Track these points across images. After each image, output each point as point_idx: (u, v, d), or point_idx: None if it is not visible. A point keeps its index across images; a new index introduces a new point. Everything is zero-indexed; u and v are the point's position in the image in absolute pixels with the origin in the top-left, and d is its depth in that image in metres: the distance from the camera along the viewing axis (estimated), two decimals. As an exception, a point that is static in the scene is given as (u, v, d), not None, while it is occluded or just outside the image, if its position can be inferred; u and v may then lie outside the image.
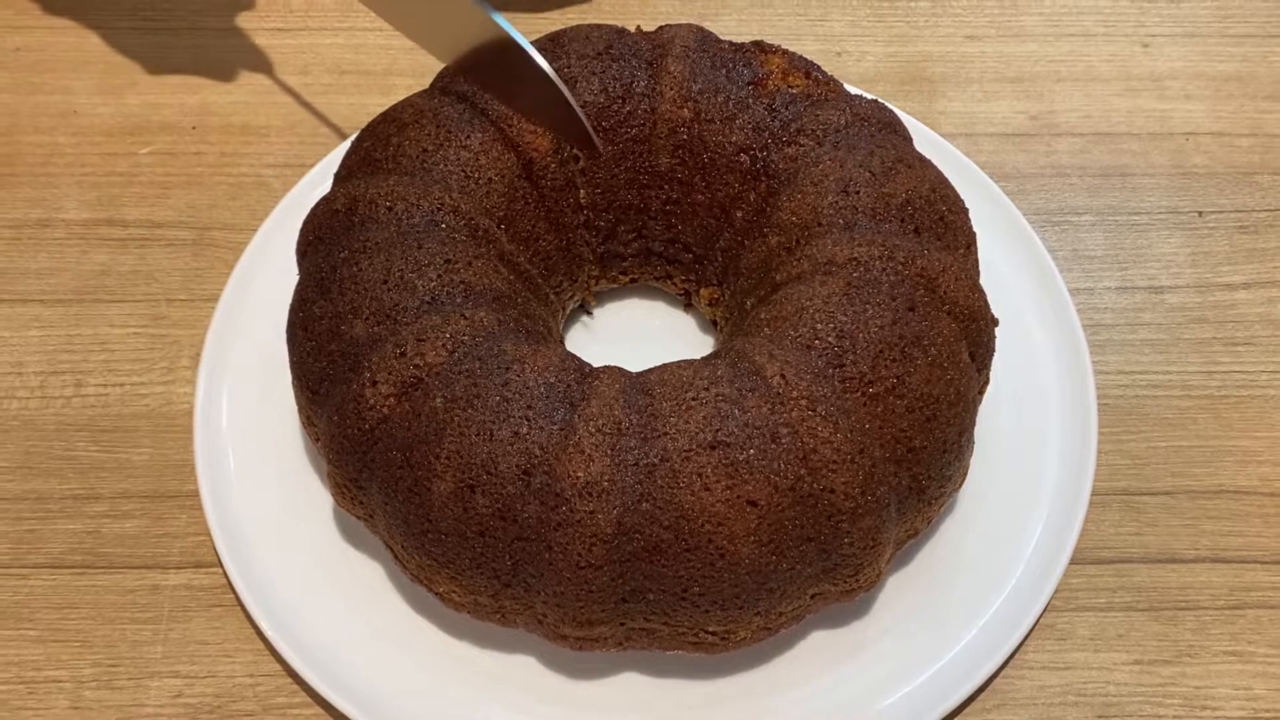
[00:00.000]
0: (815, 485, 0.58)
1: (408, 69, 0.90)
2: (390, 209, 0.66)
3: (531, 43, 0.74)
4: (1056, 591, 0.69)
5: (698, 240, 0.73)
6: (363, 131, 0.72)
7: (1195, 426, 0.76)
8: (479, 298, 0.64)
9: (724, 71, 0.71)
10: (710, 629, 0.62)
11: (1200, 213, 0.85)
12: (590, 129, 0.69)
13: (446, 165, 0.68)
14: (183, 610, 0.70)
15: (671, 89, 0.71)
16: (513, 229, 0.69)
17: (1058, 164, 0.87)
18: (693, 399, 0.59)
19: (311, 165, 0.84)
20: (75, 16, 0.93)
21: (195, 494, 0.71)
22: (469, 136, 0.69)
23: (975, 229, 0.69)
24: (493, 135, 0.69)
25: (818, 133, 0.69)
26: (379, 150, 0.69)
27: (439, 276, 0.63)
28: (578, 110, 0.68)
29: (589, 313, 0.79)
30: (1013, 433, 0.73)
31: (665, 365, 0.62)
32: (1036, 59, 0.93)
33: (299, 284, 0.67)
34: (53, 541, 0.72)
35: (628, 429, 0.58)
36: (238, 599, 0.69)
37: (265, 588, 0.68)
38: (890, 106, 0.73)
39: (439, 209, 0.66)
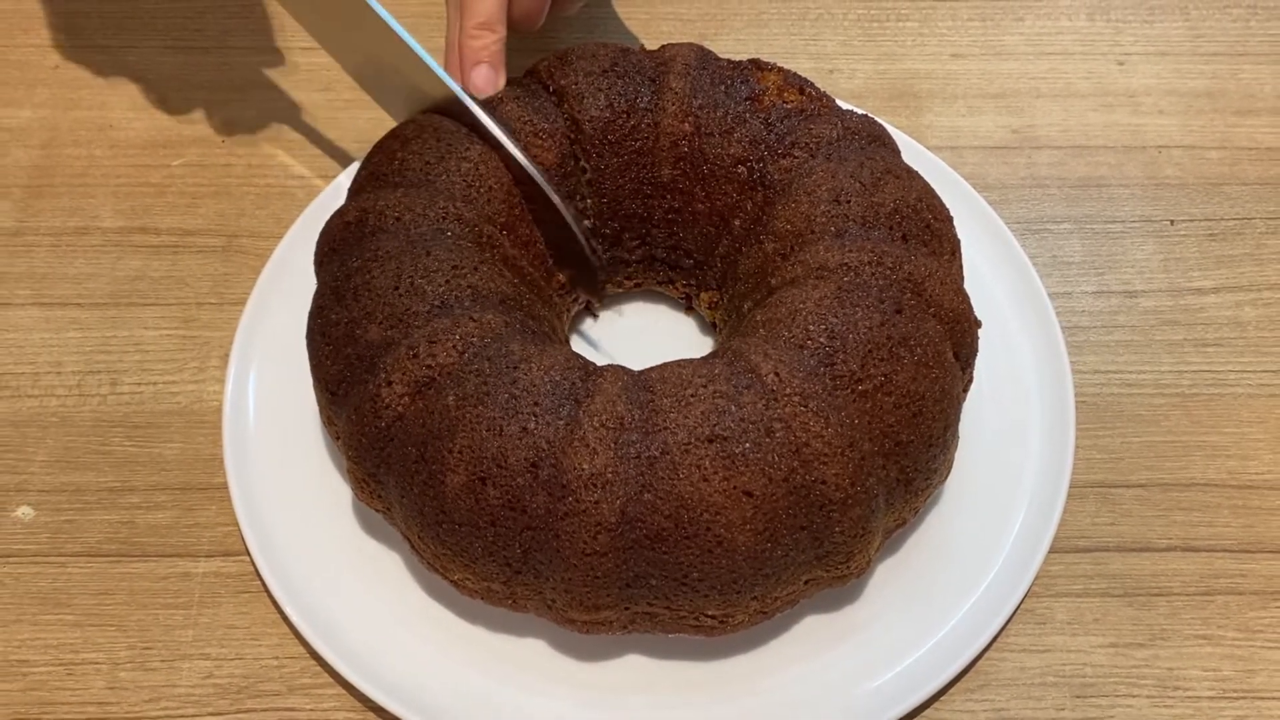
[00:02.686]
0: (808, 477, 0.58)
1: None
2: (398, 219, 0.66)
3: (539, 60, 0.74)
4: (1036, 578, 0.69)
5: (698, 247, 0.73)
6: (371, 149, 0.72)
7: (1167, 423, 0.76)
8: (486, 301, 0.64)
9: (723, 88, 0.71)
10: (709, 613, 0.61)
11: (1172, 221, 0.85)
12: (586, 240, 0.72)
13: (449, 176, 0.68)
14: (212, 596, 0.70)
15: (673, 104, 0.71)
16: (514, 234, 0.69)
17: (1038, 175, 0.87)
18: (691, 395, 0.59)
19: (333, 176, 0.84)
20: (111, 37, 0.94)
21: (224, 487, 0.72)
22: (468, 148, 0.69)
23: (959, 236, 0.69)
24: (491, 146, 0.69)
25: (811, 145, 0.69)
26: (385, 165, 0.69)
27: (447, 282, 0.63)
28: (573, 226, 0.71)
29: (594, 315, 0.79)
30: (995, 429, 0.73)
31: (665, 364, 0.62)
32: (1018, 76, 0.93)
33: (316, 292, 0.67)
34: (90, 531, 0.72)
35: (630, 424, 0.58)
36: (264, 585, 0.69)
37: (290, 575, 0.68)
38: (879, 121, 0.73)
39: (444, 218, 0.66)
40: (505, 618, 0.67)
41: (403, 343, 0.61)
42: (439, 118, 0.71)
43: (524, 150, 0.70)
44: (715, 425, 0.58)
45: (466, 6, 0.74)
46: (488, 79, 0.73)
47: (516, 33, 0.76)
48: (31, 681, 0.67)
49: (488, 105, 0.71)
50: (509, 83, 0.74)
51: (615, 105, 0.72)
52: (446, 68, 0.75)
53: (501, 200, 0.69)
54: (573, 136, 0.71)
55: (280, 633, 0.69)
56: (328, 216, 0.70)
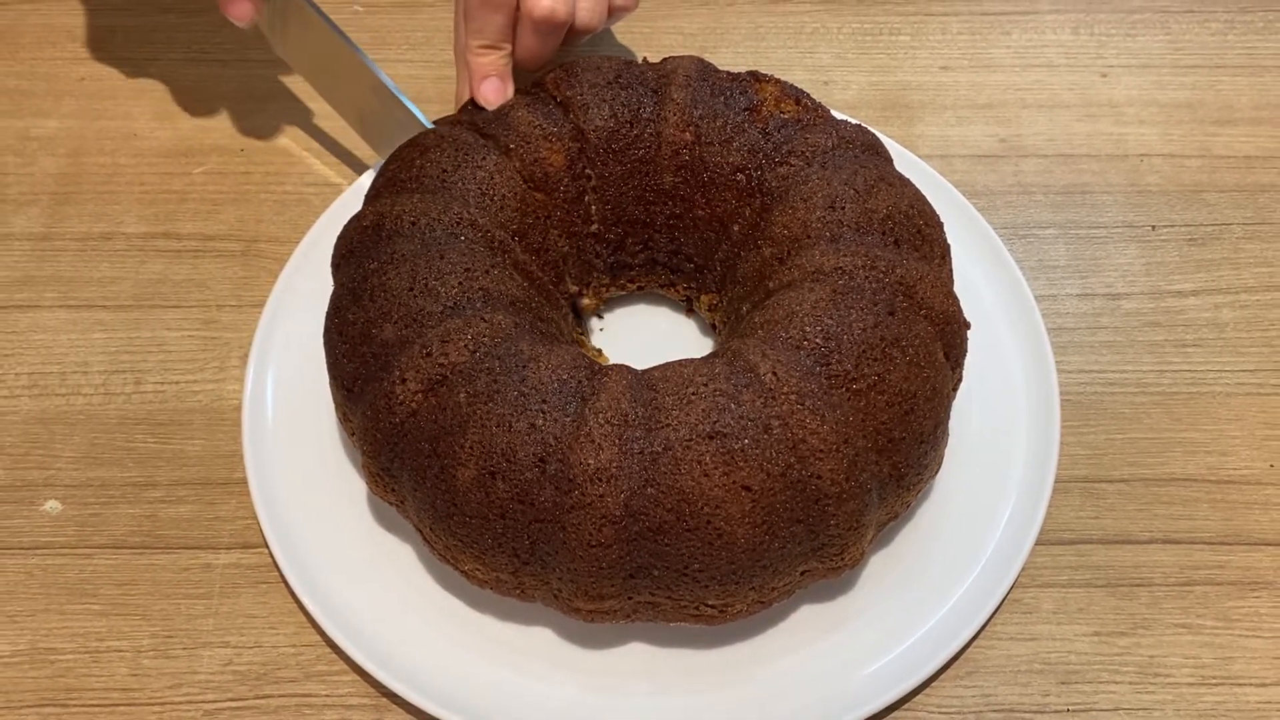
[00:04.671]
0: (804, 472, 0.58)
1: (435, 97, 0.90)
2: (414, 224, 0.66)
3: (546, 72, 0.75)
4: (1023, 569, 0.69)
5: (698, 251, 0.73)
6: (389, 156, 0.72)
7: (1148, 420, 0.76)
8: (497, 302, 0.64)
9: (722, 99, 0.71)
10: (709, 602, 0.61)
11: (1153, 227, 0.85)
12: None
13: (464, 184, 0.68)
14: (232, 586, 0.70)
15: (675, 114, 0.71)
16: (525, 240, 0.69)
17: (1024, 183, 0.87)
18: (693, 394, 0.59)
19: (348, 184, 0.84)
20: (135, 50, 0.94)
21: (243, 481, 0.72)
22: (484, 158, 0.69)
23: (949, 241, 0.69)
24: (505, 157, 0.70)
25: (807, 154, 0.69)
26: (403, 172, 0.69)
27: (460, 284, 0.63)
28: None
29: (599, 316, 0.79)
30: (983, 426, 0.73)
31: (668, 363, 0.62)
32: (1005, 87, 0.93)
33: (334, 293, 0.67)
34: (115, 524, 0.72)
35: (634, 421, 0.58)
36: (282, 576, 0.69)
37: (307, 566, 0.68)
38: (872, 130, 0.73)
39: (458, 223, 0.66)
40: (513, 607, 0.67)
41: (416, 342, 0.61)
42: (457, 129, 0.71)
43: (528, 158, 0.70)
44: (716, 422, 0.58)
45: (472, 28, 0.74)
46: (496, 90, 0.73)
47: (522, 69, 0.76)
48: (59, 668, 0.67)
49: (497, 113, 0.72)
50: (518, 91, 0.74)
51: (619, 115, 0.72)
52: (458, 79, 0.76)
53: (514, 208, 0.69)
54: (578, 145, 0.71)
55: (297, 622, 0.69)
56: (343, 222, 0.70)
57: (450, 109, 0.77)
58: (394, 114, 0.77)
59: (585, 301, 0.75)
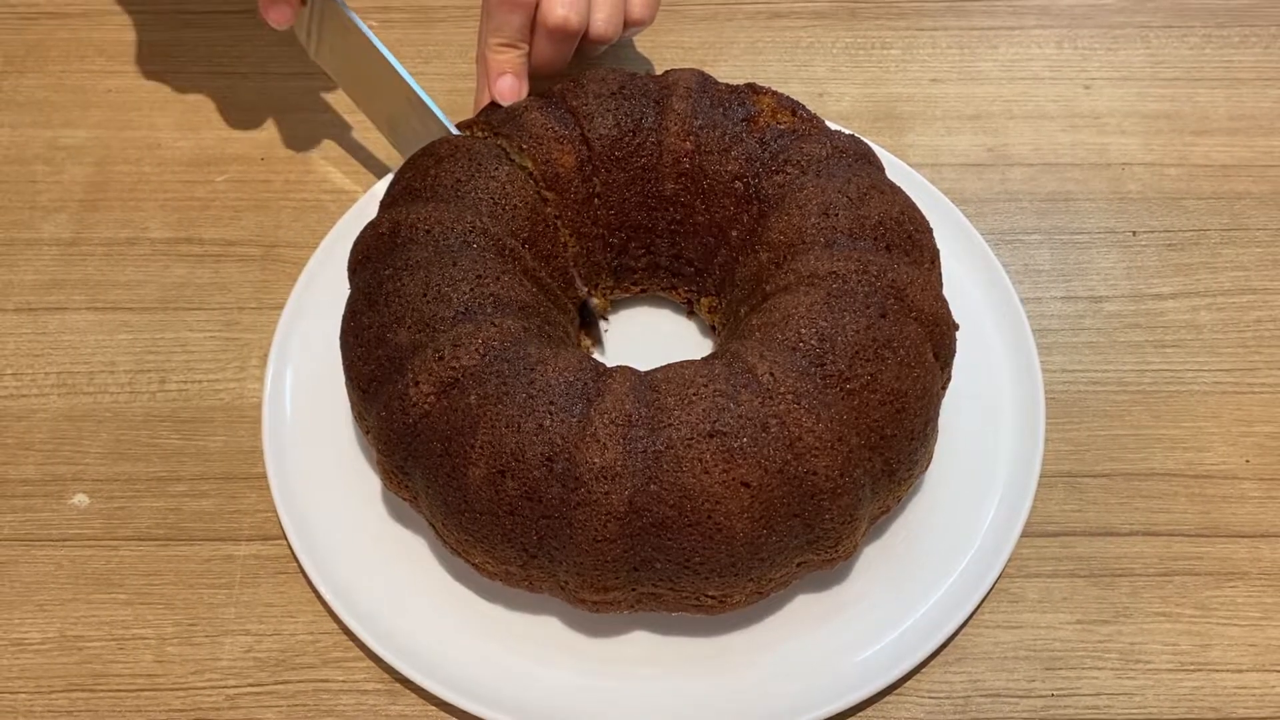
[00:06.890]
0: (800, 468, 0.58)
1: (445, 108, 0.89)
2: (428, 232, 0.66)
3: (554, 83, 0.74)
4: (1009, 560, 0.69)
5: (699, 256, 0.73)
6: (404, 165, 0.72)
7: (1129, 418, 0.76)
8: (507, 308, 0.64)
9: (721, 109, 0.71)
10: (710, 593, 0.61)
11: (1134, 232, 0.85)
12: None
13: (477, 193, 0.68)
14: (252, 577, 0.70)
15: (675, 124, 0.71)
16: (534, 247, 0.69)
17: (1010, 190, 0.87)
18: (694, 394, 0.59)
19: (363, 191, 0.84)
20: (159, 63, 0.93)
21: (263, 476, 0.71)
22: (496, 168, 0.69)
23: (939, 246, 0.69)
24: (517, 167, 0.69)
25: (802, 163, 0.68)
26: (418, 180, 0.69)
27: (471, 290, 0.63)
28: None
29: (604, 319, 0.79)
30: (971, 423, 0.73)
31: (670, 365, 0.62)
32: (992, 99, 0.93)
33: (350, 298, 0.67)
34: (140, 517, 0.72)
35: (637, 420, 0.58)
36: (300, 567, 0.69)
37: (324, 558, 0.68)
38: (865, 140, 0.72)
39: (471, 231, 0.66)
40: (522, 597, 0.67)
41: (429, 345, 0.61)
42: (470, 139, 0.71)
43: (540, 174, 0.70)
44: (715, 422, 0.58)
45: (492, 26, 0.75)
46: (512, 87, 0.74)
47: (537, 75, 0.76)
48: (86, 655, 0.67)
49: (511, 114, 0.72)
50: (531, 95, 0.74)
51: (622, 125, 0.71)
52: (478, 84, 0.78)
53: (524, 217, 0.69)
54: (586, 149, 0.71)
55: (315, 610, 0.69)
56: (359, 227, 0.70)
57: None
58: (425, 123, 0.76)
59: (595, 301, 0.75)
